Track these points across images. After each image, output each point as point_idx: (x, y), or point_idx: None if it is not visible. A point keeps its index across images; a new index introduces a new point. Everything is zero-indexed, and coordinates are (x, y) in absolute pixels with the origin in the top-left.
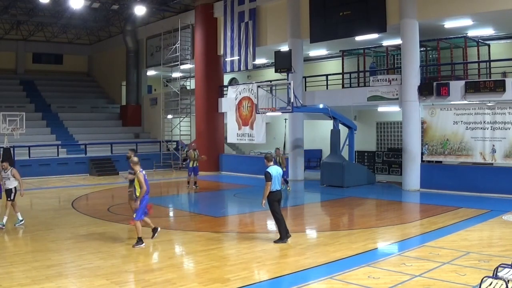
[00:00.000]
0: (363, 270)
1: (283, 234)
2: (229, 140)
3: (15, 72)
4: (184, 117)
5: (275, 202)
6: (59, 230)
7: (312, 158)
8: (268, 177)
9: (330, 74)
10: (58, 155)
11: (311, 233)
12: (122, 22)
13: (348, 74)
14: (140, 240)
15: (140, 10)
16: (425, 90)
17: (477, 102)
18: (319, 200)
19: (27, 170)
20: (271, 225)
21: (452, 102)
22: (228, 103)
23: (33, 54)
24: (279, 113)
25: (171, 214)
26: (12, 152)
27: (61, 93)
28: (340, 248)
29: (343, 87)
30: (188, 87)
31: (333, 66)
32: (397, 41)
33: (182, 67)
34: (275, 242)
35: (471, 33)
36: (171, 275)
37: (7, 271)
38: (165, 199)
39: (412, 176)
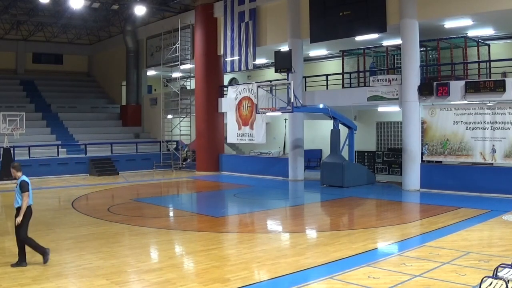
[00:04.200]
0: (363, 270)
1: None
2: (229, 140)
3: (15, 72)
4: (184, 117)
5: (28, 220)
6: (59, 230)
7: (312, 158)
8: (26, 187)
9: (330, 74)
10: (58, 155)
11: (311, 233)
12: (122, 22)
13: (348, 74)
14: None
15: (140, 10)
16: (425, 90)
17: (477, 102)
18: (319, 200)
19: (27, 170)
20: (272, 225)
21: (452, 102)
22: (228, 103)
23: (33, 54)
24: (279, 113)
25: (171, 214)
26: (12, 152)
27: (61, 93)
28: (340, 248)
29: (343, 87)
30: (188, 87)
31: (333, 66)
32: (397, 41)
33: (182, 67)
34: (12, 265)
35: (471, 33)
36: (171, 275)
37: (7, 271)
38: (165, 199)
39: (412, 176)
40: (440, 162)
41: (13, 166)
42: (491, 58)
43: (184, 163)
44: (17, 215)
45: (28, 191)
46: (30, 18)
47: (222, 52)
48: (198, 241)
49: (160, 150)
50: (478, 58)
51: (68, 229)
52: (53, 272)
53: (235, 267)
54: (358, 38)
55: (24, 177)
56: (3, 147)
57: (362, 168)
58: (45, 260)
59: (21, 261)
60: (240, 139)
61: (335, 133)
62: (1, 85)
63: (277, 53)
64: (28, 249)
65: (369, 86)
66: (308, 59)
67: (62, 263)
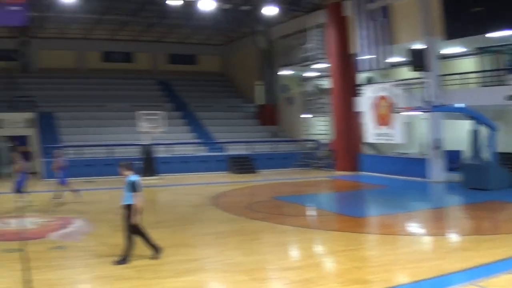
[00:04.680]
0: (506, 277)
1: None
2: (367, 140)
3: (152, 73)
4: (321, 116)
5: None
6: (199, 226)
7: (452, 159)
8: (138, 187)
9: (467, 73)
10: (198, 153)
11: (453, 237)
12: (253, 23)
13: (486, 72)
14: None
15: (270, 11)
16: None
17: None
18: (460, 202)
19: (168, 167)
20: (413, 227)
21: None
22: (365, 102)
23: (168, 55)
24: (417, 113)
25: (310, 213)
26: (152, 150)
27: (196, 92)
28: (483, 253)
29: (480, 85)
30: (323, 86)
31: (469, 64)
32: None
33: (316, 66)
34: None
35: None
36: (311, 274)
37: (147, 263)
38: (305, 198)
39: None
40: None
41: (121, 165)
42: None
43: (323, 162)
44: (129, 213)
45: (140, 191)
46: (162, 20)
47: (355, 51)
48: (338, 240)
49: (298, 149)
50: None
51: (209, 225)
52: (193, 266)
53: (376, 269)
54: (492, 35)
55: (135, 177)
56: (144, 144)
57: (505, 171)
58: (120, 262)
59: (155, 252)
60: (378, 139)
61: (475, 134)
62: (140, 85)
63: (412, 51)
64: (167, 242)
65: (509, 84)
66: (443, 57)
67: (202, 258)
